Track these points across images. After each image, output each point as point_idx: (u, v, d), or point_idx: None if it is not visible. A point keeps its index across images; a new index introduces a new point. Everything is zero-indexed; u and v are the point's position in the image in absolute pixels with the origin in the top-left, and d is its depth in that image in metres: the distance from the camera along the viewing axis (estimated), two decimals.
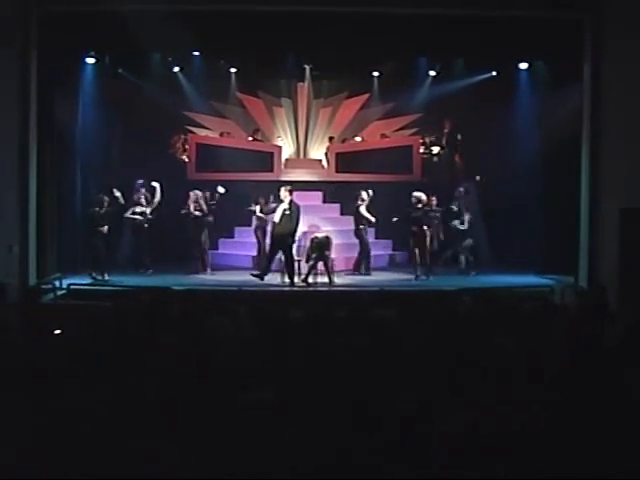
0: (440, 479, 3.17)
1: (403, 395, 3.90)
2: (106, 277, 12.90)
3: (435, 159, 17.02)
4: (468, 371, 4.30)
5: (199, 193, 14.05)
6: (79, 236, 14.06)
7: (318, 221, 14.38)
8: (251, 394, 3.60)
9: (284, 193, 12.96)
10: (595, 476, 3.19)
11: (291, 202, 12.91)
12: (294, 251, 13.20)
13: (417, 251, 13.52)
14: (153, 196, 14.04)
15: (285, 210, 12.85)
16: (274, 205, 13.33)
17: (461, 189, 15.22)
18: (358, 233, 14.06)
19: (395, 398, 3.86)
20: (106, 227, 13.09)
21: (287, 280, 12.85)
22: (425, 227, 13.56)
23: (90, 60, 14.34)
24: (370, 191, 14.11)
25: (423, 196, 13.63)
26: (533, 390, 3.92)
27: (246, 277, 13.10)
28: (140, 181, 14.50)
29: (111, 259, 13.71)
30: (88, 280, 12.71)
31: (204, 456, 3.30)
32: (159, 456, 3.17)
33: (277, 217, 12.91)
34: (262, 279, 12.78)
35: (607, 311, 7.19)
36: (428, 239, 13.61)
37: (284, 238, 12.84)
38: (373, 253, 14.98)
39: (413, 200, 13.57)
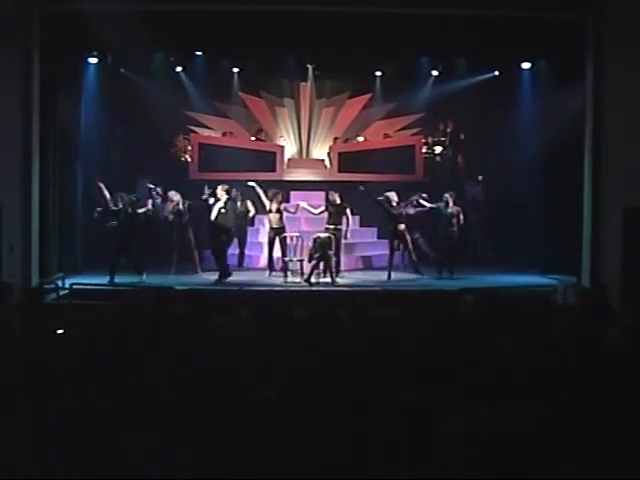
0: (440, 479, 3.18)
1: (404, 395, 3.89)
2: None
3: (437, 159, 17.01)
4: (468, 371, 4.30)
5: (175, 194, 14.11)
6: (82, 235, 14.11)
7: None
8: (253, 394, 3.60)
9: (220, 192, 12.98)
10: (595, 476, 3.20)
11: (227, 200, 12.98)
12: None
13: (403, 251, 13.46)
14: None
15: (221, 209, 12.89)
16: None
17: (478, 189, 15.34)
18: (338, 235, 13.62)
19: (396, 398, 3.86)
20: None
21: (217, 278, 12.83)
22: (403, 226, 13.51)
23: (92, 60, 14.33)
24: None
25: (395, 196, 13.56)
26: (533, 390, 3.91)
27: (249, 277, 13.11)
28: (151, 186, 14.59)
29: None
30: (137, 279, 12.61)
31: (206, 456, 3.31)
32: (159, 456, 3.19)
33: (213, 215, 12.94)
34: (227, 278, 12.81)
35: (609, 311, 7.17)
36: (409, 237, 13.56)
37: (219, 236, 12.94)
38: (376, 253, 15.01)
39: (382, 199, 13.53)
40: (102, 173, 14.81)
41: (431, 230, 14.28)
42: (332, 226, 13.53)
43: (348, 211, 13.74)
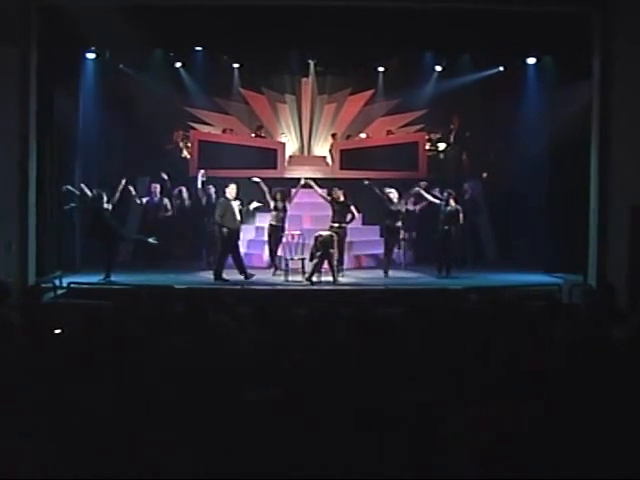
0: (440, 479, 3.18)
1: (404, 395, 3.85)
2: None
3: (441, 156, 16.90)
4: (470, 371, 4.25)
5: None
6: (79, 234, 14.04)
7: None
8: (253, 394, 3.58)
9: (230, 192, 12.94)
10: (596, 476, 3.15)
11: (241, 200, 13.02)
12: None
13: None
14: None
15: (240, 206, 12.93)
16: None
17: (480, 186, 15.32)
18: (342, 233, 13.41)
19: (396, 398, 3.81)
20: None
21: (241, 277, 12.77)
22: (400, 223, 13.64)
23: (91, 55, 14.27)
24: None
25: (395, 192, 13.50)
26: (534, 390, 3.82)
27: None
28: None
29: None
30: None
31: (206, 456, 3.27)
32: (159, 456, 3.17)
33: (238, 216, 12.89)
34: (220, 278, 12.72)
35: (614, 310, 7.05)
36: (403, 235, 13.90)
37: (237, 235, 12.99)
38: (379, 251, 14.89)
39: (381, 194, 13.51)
40: (101, 170, 14.76)
41: (431, 228, 14.01)
42: (337, 224, 13.35)
43: (353, 208, 13.53)
